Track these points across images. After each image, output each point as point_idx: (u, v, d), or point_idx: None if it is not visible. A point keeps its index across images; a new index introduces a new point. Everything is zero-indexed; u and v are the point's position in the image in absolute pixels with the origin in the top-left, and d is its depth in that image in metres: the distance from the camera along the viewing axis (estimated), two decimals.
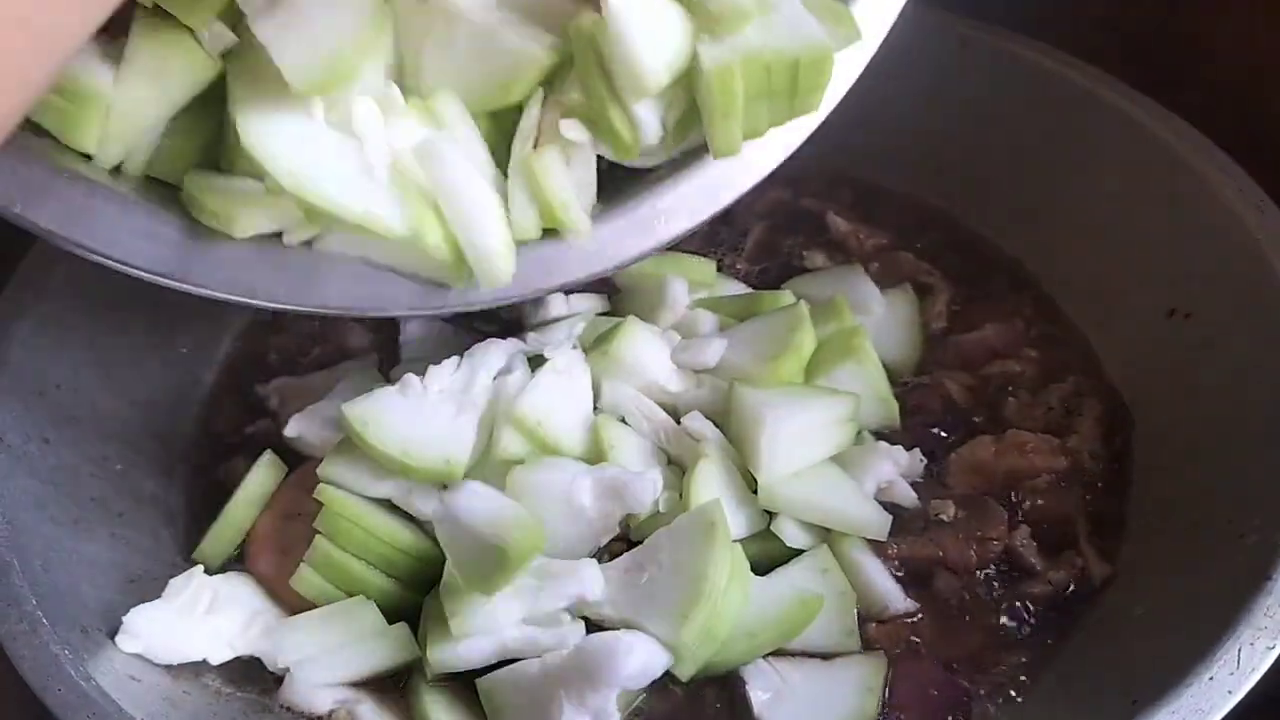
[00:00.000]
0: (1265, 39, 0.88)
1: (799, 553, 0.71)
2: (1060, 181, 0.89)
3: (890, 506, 0.73)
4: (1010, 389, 0.82)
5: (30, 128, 0.59)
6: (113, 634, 0.68)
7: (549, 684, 0.65)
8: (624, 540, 0.71)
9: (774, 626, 0.68)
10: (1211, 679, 0.59)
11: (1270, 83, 0.88)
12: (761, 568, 0.70)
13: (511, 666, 0.66)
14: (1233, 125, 0.83)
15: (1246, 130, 0.83)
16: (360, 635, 0.68)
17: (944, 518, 0.73)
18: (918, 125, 0.91)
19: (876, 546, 0.72)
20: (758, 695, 0.67)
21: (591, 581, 0.67)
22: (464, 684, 0.68)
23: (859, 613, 0.70)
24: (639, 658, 0.64)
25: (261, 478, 0.77)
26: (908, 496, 0.74)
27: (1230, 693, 0.59)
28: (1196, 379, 0.78)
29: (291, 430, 0.75)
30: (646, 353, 0.76)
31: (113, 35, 0.59)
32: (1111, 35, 0.95)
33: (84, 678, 0.62)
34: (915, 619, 0.71)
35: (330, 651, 0.68)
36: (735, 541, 0.68)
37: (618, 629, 0.66)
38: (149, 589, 0.72)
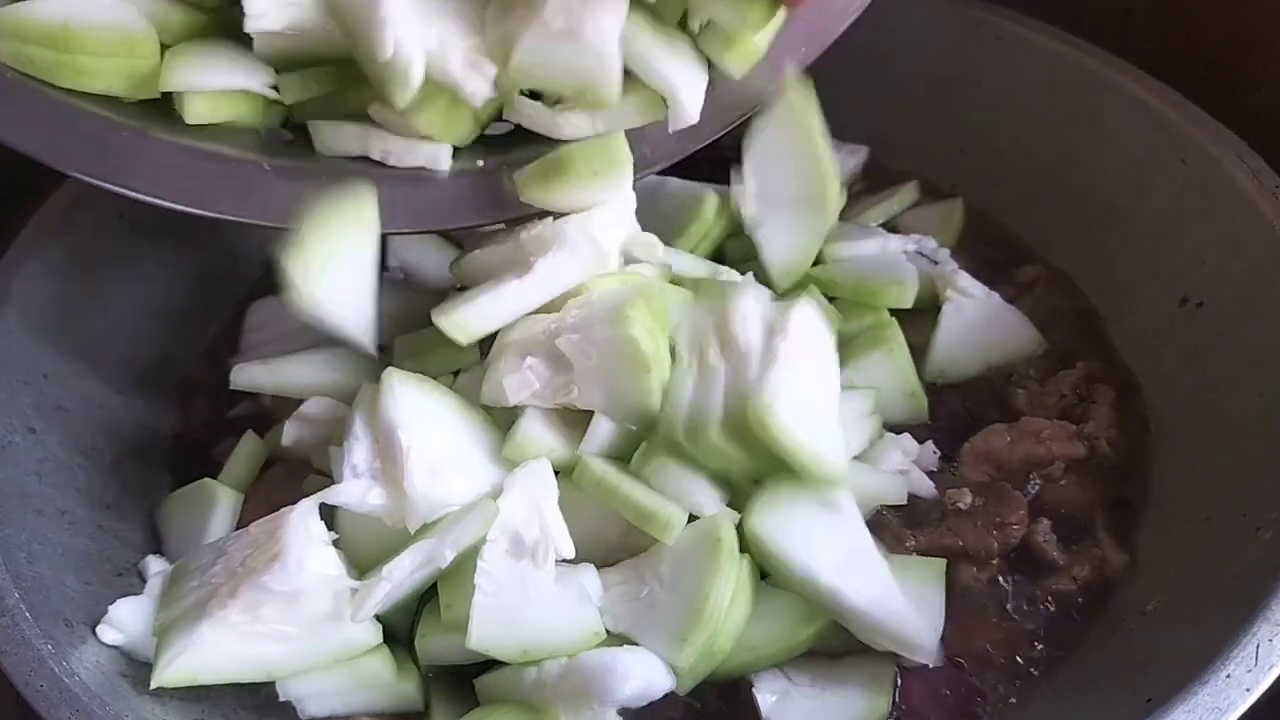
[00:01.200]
0: (1275, 21, 0.87)
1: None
2: (1072, 166, 0.87)
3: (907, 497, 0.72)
4: (1019, 377, 0.81)
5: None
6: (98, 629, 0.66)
7: (545, 694, 0.63)
8: None
9: (777, 641, 0.66)
10: (1228, 677, 0.57)
11: None
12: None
13: (508, 670, 0.64)
14: (1249, 111, 0.81)
15: (1262, 116, 0.81)
16: (368, 684, 0.66)
17: (961, 505, 0.72)
18: (931, 108, 0.91)
19: (893, 540, 0.70)
20: (765, 697, 0.65)
21: (589, 586, 0.66)
22: (464, 683, 0.67)
23: None
24: (636, 683, 0.62)
25: (245, 456, 0.76)
26: (924, 485, 0.73)
27: (1248, 690, 0.57)
28: (1209, 369, 0.76)
29: (287, 439, 0.74)
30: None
31: None
32: (1124, 19, 0.94)
33: (67, 673, 0.61)
34: None
35: (338, 693, 0.66)
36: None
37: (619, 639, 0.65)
38: (138, 582, 0.70)
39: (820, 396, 0.68)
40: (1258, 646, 0.58)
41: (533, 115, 0.72)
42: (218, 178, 0.69)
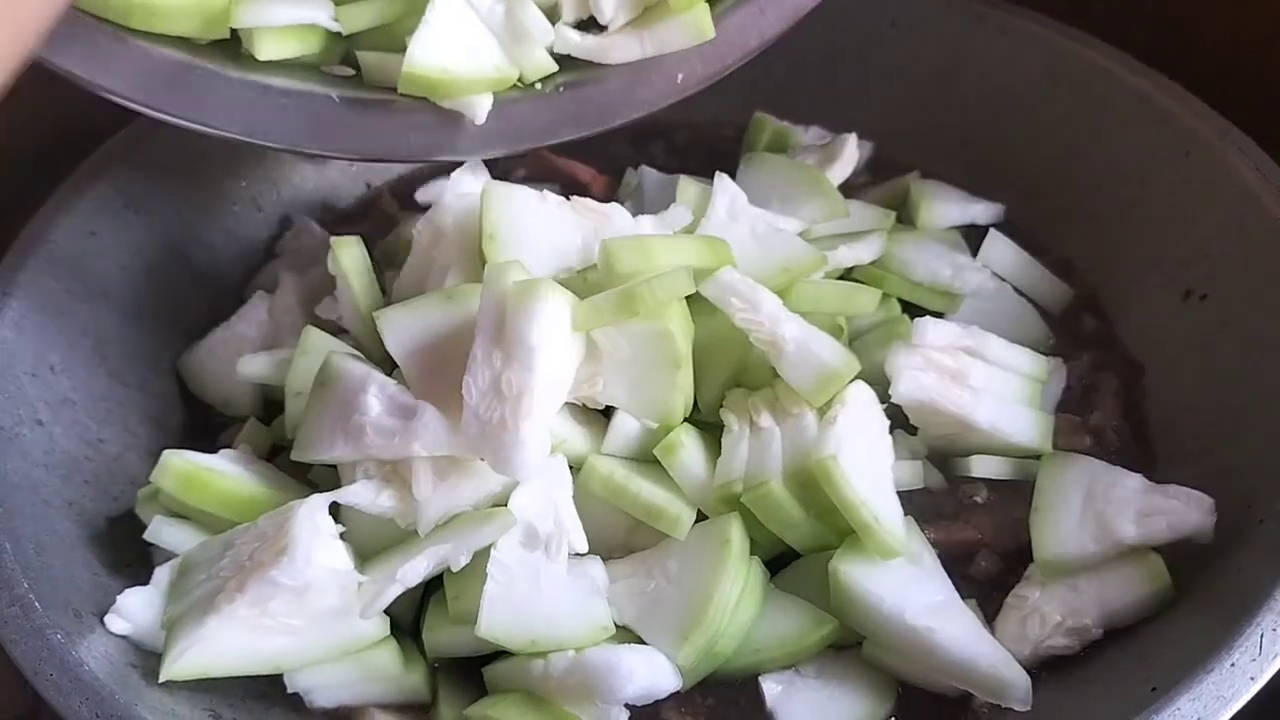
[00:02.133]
0: (1278, 14, 0.87)
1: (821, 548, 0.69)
2: (1076, 160, 0.87)
3: (919, 491, 0.72)
4: None
5: None
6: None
7: (551, 686, 0.63)
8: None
9: (783, 645, 0.66)
10: (1233, 665, 0.58)
11: None
12: (784, 559, 0.69)
13: (516, 660, 0.65)
14: (1252, 104, 0.81)
15: (1264, 109, 0.81)
16: (376, 676, 0.67)
17: (978, 499, 0.72)
18: (934, 101, 0.90)
19: None
20: (770, 686, 0.65)
21: (596, 577, 0.66)
22: (470, 674, 0.67)
23: None
24: (640, 684, 0.62)
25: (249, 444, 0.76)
26: (934, 476, 0.73)
27: (1252, 679, 0.57)
28: (1213, 361, 0.76)
29: (291, 427, 0.73)
30: None
31: None
32: (1127, 12, 0.94)
33: (77, 663, 0.61)
34: None
35: (345, 685, 0.66)
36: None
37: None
38: (145, 573, 0.70)
39: (878, 470, 0.68)
40: (1262, 635, 0.58)
41: (580, 44, 0.73)
42: (289, 112, 0.72)
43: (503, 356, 0.62)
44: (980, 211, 0.88)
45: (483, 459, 0.63)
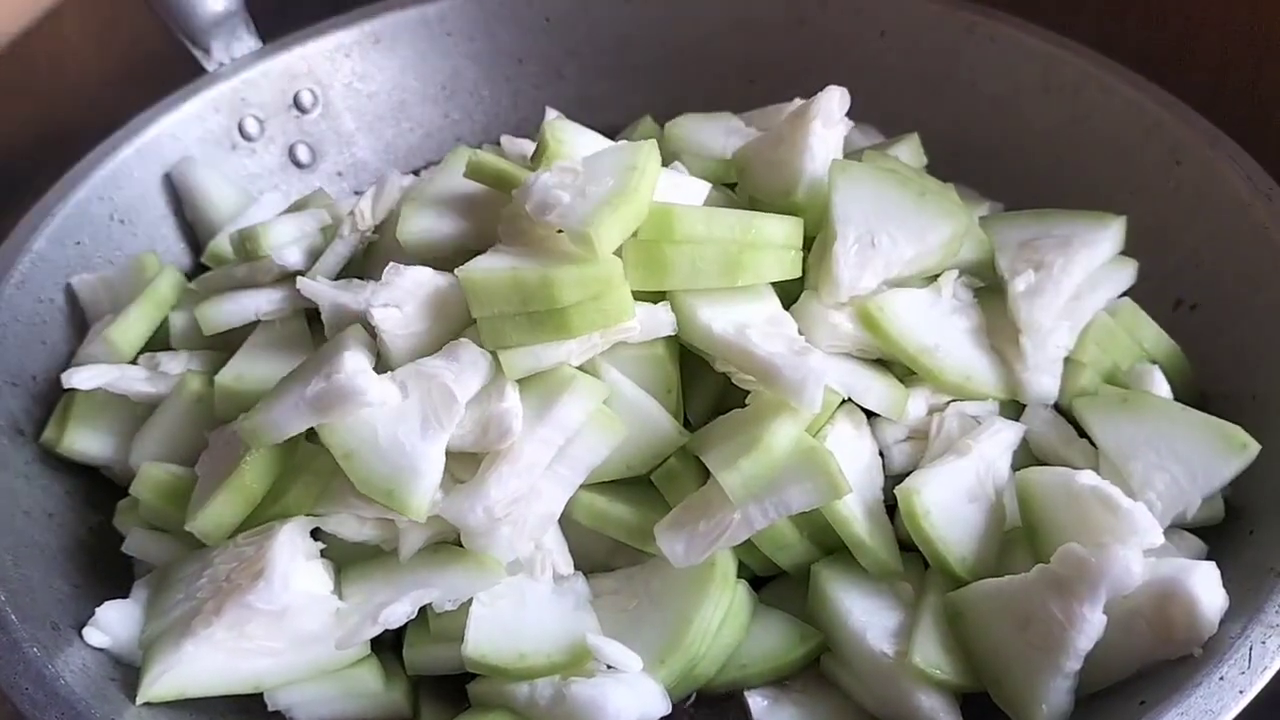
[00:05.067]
0: (1268, 23, 0.87)
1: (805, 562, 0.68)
2: (1066, 169, 0.87)
3: None
4: None
5: None
6: None
7: (538, 713, 0.62)
8: None
9: (768, 660, 0.66)
10: (1222, 679, 0.57)
11: (1276, 68, 0.86)
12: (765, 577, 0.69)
13: (499, 684, 0.64)
14: (1241, 112, 0.81)
15: (1254, 117, 0.81)
16: (357, 693, 0.66)
17: None
18: (925, 110, 0.90)
19: None
20: (756, 701, 0.65)
21: (580, 591, 0.66)
22: (452, 689, 0.67)
23: None
24: (629, 718, 0.61)
25: None
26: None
27: (1241, 692, 0.57)
28: (1203, 370, 0.76)
29: None
30: None
31: None
32: (1117, 20, 0.94)
33: (54, 676, 0.60)
34: None
35: (326, 702, 0.66)
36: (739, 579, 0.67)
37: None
38: (126, 585, 0.70)
39: (870, 494, 0.68)
40: (1251, 648, 0.58)
41: None
42: None
43: (550, 480, 0.63)
44: None
45: (460, 529, 0.63)
